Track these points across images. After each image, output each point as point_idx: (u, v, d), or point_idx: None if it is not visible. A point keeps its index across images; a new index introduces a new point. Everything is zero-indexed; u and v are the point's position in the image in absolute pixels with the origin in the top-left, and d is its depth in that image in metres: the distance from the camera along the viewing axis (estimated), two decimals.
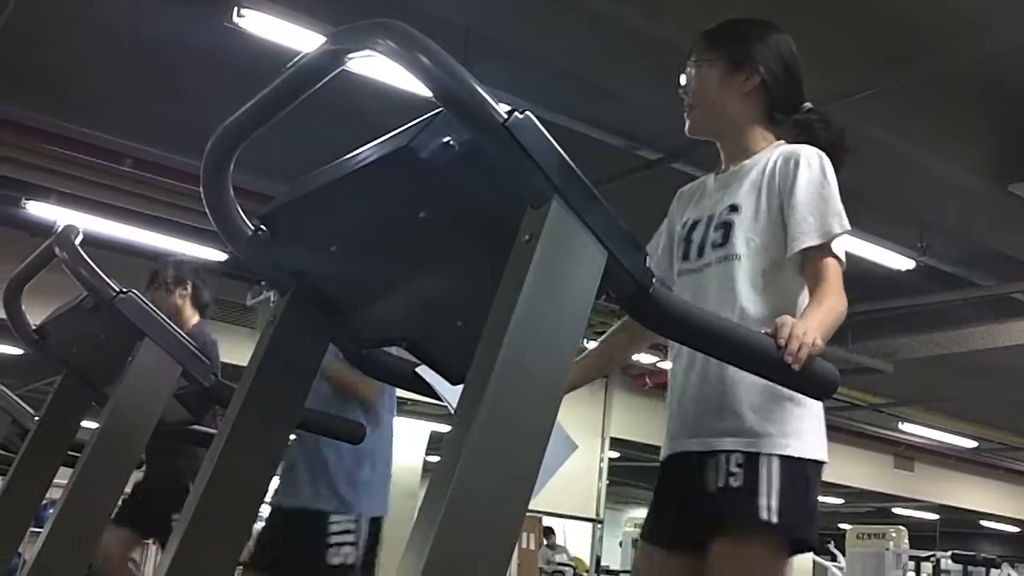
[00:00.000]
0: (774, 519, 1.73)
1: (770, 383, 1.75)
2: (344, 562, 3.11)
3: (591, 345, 2.30)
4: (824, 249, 1.82)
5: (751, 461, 1.77)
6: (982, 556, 9.74)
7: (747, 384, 1.81)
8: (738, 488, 1.76)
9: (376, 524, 3.22)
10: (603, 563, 13.02)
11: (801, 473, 1.80)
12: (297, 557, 3.18)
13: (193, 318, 3.99)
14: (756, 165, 1.94)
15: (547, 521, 13.44)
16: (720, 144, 2.04)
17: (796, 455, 1.80)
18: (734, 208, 1.92)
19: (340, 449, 3.12)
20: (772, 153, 1.94)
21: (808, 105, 2.02)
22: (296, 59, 1.11)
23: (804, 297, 1.86)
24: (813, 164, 1.86)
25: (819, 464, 1.84)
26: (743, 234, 1.89)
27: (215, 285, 4.12)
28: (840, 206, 1.84)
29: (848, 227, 1.83)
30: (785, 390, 1.75)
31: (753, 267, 1.87)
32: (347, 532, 3.13)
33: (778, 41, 2.00)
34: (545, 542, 13.70)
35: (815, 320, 1.57)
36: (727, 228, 1.90)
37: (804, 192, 1.84)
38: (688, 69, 2.01)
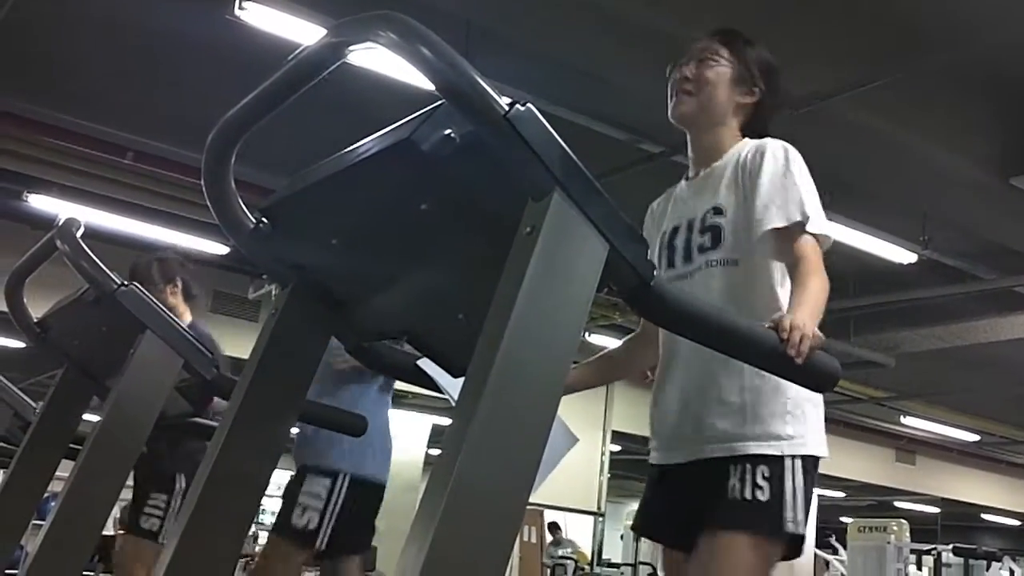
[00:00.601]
0: (800, 531, 1.81)
1: (779, 383, 1.80)
2: (306, 526, 3.04)
3: (591, 339, 2.31)
4: (795, 229, 1.82)
5: (776, 468, 1.81)
6: (983, 549, 9.74)
7: (765, 386, 1.84)
8: (766, 502, 1.79)
9: (360, 487, 3.13)
10: (604, 556, 13.02)
11: (812, 471, 1.86)
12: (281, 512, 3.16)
13: (186, 315, 3.98)
14: (728, 164, 1.98)
15: (552, 515, 13.43)
16: (696, 139, 2.07)
17: (813, 453, 1.86)
18: (719, 211, 1.94)
19: None
20: (741, 149, 1.98)
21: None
22: (297, 51, 1.11)
23: (780, 285, 1.89)
24: (778, 155, 1.90)
25: (820, 459, 1.91)
26: (734, 236, 1.91)
27: (195, 273, 4.08)
28: (805, 195, 1.85)
29: (812, 215, 1.83)
30: (796, 388, 1.80)
31: (749, 266, 1.90)
32: (316, 496, 3.08)
33: (779, 74, 2.09)
34: (551, 537, 13.66)
35: (806, 310, 1.59)
36: (716, 231, 1.93)
37: (768, 181, 1.87)
38: (700, 59, 2.03)
